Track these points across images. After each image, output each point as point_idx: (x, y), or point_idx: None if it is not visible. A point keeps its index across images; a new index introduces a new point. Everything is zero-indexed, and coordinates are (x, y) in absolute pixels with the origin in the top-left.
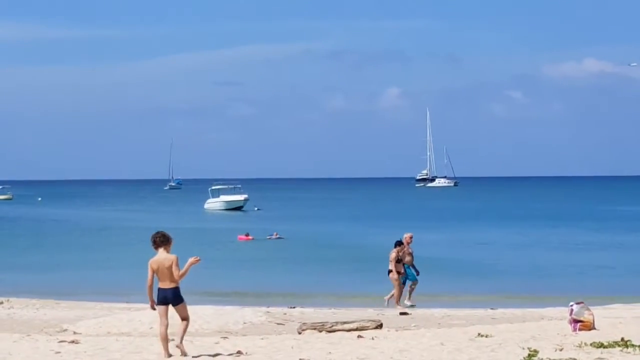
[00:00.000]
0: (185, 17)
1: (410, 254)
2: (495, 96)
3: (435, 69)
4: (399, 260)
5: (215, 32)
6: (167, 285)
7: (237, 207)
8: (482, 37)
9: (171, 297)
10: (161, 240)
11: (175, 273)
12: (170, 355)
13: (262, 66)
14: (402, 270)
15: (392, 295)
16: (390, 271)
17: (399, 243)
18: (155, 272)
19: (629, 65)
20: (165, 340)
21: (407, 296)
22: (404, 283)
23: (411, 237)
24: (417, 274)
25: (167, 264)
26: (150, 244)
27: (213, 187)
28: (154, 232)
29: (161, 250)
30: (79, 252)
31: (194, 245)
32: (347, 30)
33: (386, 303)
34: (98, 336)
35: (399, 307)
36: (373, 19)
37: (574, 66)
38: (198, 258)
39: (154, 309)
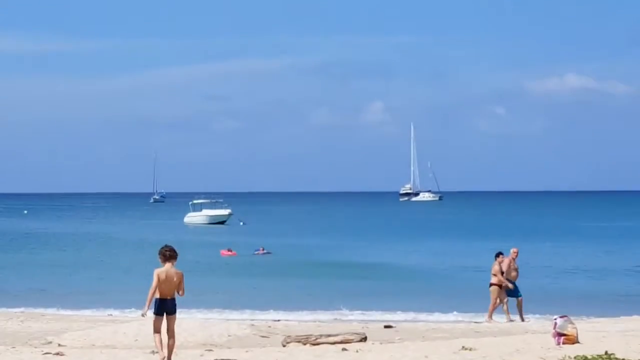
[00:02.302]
0: (171, 30)
1: (516, 270)
2: (479, 111)
3: (420, 84)
4: (502, 273)
5: (201, 46)
6: (169, 296)
7: (220, 222)
8: (466, 53)
9: (170, 307)
10: (170, 255)
11: (182, 289)
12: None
13: (248, 80)
14: (511, 285)
15: (493, 309)
16: (491, 284)
17: (499, 254)
18: (160, 282)
19: None
20: (162, 345)
21: (505, 313)
22: (511, 296)
23: (517, 253)
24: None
25: (175, 277)
26: (159, 256)
27: (194, 201)
28: (163, 246)
29: (168, 264)
30: (63, 264)
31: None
32: (333, 45)
33: (487, 319)
34: (83, 348)
35: (490, 320)
36: (358, 34)
37: (557, 82)
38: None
39: (144, 315)
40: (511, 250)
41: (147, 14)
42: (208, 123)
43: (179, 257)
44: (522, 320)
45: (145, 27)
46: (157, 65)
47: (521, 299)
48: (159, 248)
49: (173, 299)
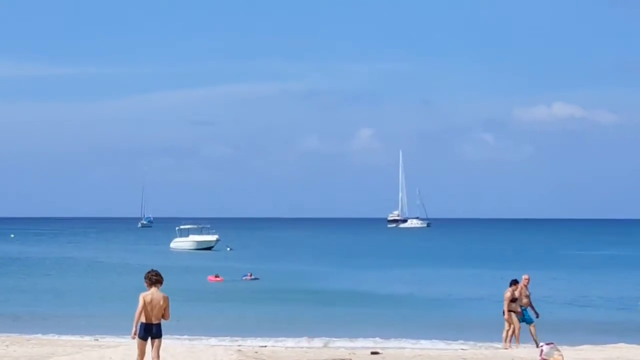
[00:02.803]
0: (159, 56)
1: (528, 296)
2: (467, 138)
3: (409, 111)
4: (514, 300)
5: (189, 72)
6: (154, 320)
7: (208, 248)
8: (454, 80)
9: (155, 332)
10: (156, 279)
11: (167, 313)
12: None
13: (237, 106)
14: (519, 310)
15: (512, 334)
16: (504, 312)
17: (514, 282)
18: (146, 306)
19: None
20: None
21: (505, 340)
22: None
23: (528, 279)
24: (537, 317)
25: (161, 302)
26: (145, 280)
27: (181, 227)
28: (149, 270)
29: (154, 288)
30: (48, 289)
31: (165, 282)
32: (322, 72)
33: (508, 345)
34: None
35: (505, 344)
36: (347, 61)
37: (544, 110)
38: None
39: (134, 338)
40: (522, 277)
41: (135, 40)
42: (196, 148)
43: (165, 283)
44: (537, 346)
45: (133, 52)
46: (145, 91)
47: (533, 326)
48: (145, 272)
49: (159, 324)
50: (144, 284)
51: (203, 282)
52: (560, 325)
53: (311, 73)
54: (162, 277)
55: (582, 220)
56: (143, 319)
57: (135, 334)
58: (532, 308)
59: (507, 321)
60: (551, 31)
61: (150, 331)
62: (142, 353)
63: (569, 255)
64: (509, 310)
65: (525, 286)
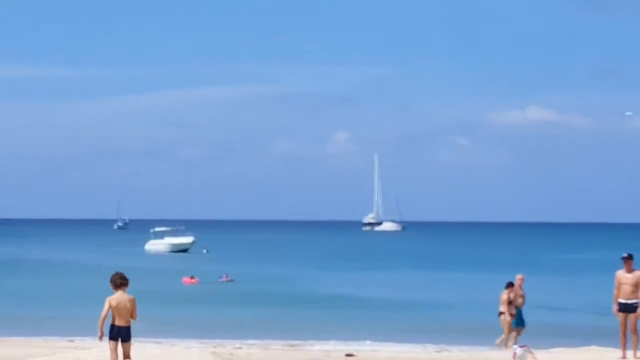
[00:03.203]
0: (136, 58)
1: (522, 296)
2: (442, 143)
3: (384, 115)
4: (509, 302)
5: (165, 74)
6: (122, 323)
7: (183, 250)
8: (430, 84)
9: (125, 334)
10: (121, 282)
11: (135, 314)
12: None
13: (213, 108)
14: (514, 312)
15: (502, 339)
16: (501, 313)
17: (510, 284)
18: (112, 308)
19: (625, 115)
20: None
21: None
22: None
23: (522, 279)
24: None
25: (128, 304)
26: (110, 284)
27: (156, 229)
28: (114, 273)
29: (120, 291)
30: (22, 291)
31: (137, 285)
32: (298, 75)
33: (497, 347)
34: None
35: (506, 348)
36: (324, 64)
37: (518, 114)
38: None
39: (101, 339)
40: (516, 277)
41: (110, 42)
42: (172, 150)
43: (139, 285)
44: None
45: (108, 54)
46: (120, 93)
47: (521, 329)
48: (110, 276)
49: (128, 327)
50: (110, 287)
51: (178, 284)
52: (533, 328)
53: (287, 76)
54: (127, 279)
55: (557, 224)
56: (112, 322)
57: (101, 337)
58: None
59: (505, 323)
60: (526, 36)
61: (119, 333)
62: (114, 352)
63: (543, 259)
64: (502, 313)
65: (520, 286)
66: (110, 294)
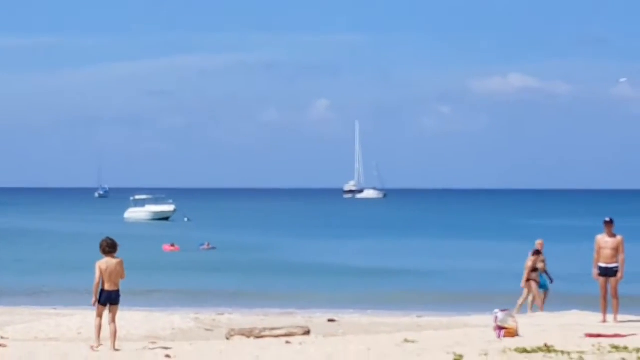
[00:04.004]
0: (117, 25)
1: (543, 261)
2: (423, 110)
3: (366, 83)
4: (534, 270)
5: (147, 42)
6: (112, 287)
7: (165, 218)
8: (411, 52)
9: (114, 298)
10: (110, 247)
11: (124, 274)
12: (101, 344)
13: (194, 76)
14: (539, 280)
15: (522, 302)
16: (527, 280)
17: (536, 252)
18: (102, 273)
19: (618, 81)
20: (100, 329)
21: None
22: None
23: (542, 245)
24: (551, 282)
25: (117, 267)
26: (100, 249)
27: (136, 197)
28: (104, 238)
29: (109, 256)
30: (3, 258)
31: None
32: (280, 43)
33: (517, 310)
34: (25, 341)
35: (539, 312)
36: (305, 33)
37: (500, 81)
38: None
39: (95, 305)
40: (536, 242)
41: (91, 10)
42: (153, 119)
43: (119, 253)
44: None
45: (91, 23)
46: (103, 61)
47: (546, 293)
48: (100, 241)
49: (117, 291)
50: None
51: (158, 251)
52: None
53: (269, 44)
54: (116, 244)
55: (539, 190)
56: (103, 286)
57: (94, 302)
58: (547, 274)
59: (526, 289)
60: (507, 3)
61: (109, 298)
62: (100, 316)
63: (524, 225)
64: (530, 280)
65: (540, 251)
66: (96, 259)
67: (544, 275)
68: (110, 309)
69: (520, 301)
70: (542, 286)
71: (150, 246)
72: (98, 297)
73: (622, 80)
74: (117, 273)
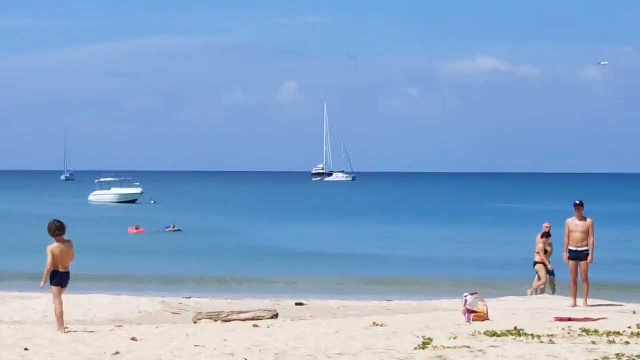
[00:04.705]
0: (80, 7)
1: (550, 245)
2: (392, 93)
3: (333, 66)
4: (546, 252)
5: (112, 24)
6: (64, 269)
7: (131, 201)
8: (378, 34)
9: (66, 280)
10: (59, 229)
11: (74, 256)
12: (67, 330)
13: (161, 58)
14: (549, 263)
15: (537, 287)
16: (536, 262)
17: (546, 235)
18: (55, 257)
19: (599, 64)
20: (62, 316)
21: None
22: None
23: (549, 228)
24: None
25: (69, 249)
26: (48, 233)
27: (101, 180)
28: (51, 221)
29: (59, 239)
30: None
31: (82, 236)
32: (247, 25)
33: (531, 294)
34: None
35: (535, 296)
36: (272, 15)
37: (468, 64)
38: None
39: (43, 287)
40: (544, 226)
41: None
42: (120, 101)
43: (83, 236)
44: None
45: (54, 5)
46: (67, 44)
47: (553, 278)
48: (48, 225)
49: (69, 272)
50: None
51: (123, 234)
52: (482, 276)
53: (235, 26)
54: (64, 225)
55: (506, 174)
56: (58, 269)
57: (43, 286)
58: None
59: (543, 272)
60: None
61: (64, 279)
62: (59, 297)
63: (491, 209)
64: (540, 263)
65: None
66: (50, 242)
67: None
68: (64, 290)
69: (535, 285)
70: (549, 271)
71: (115, 229)
72: (51, 278)
73: (604, 63)
74: (69, 256)
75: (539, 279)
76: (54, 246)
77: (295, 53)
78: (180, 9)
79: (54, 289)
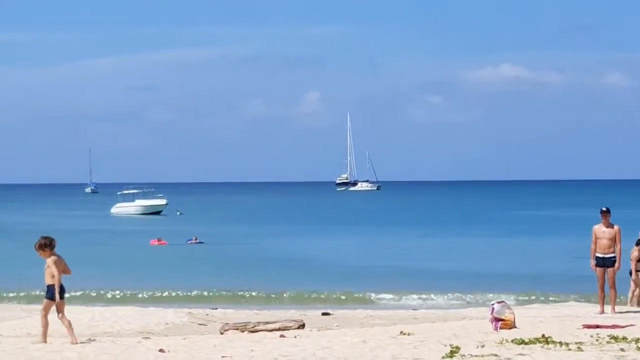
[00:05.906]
0: (100, 21)
1: None
2: (414, 101)
3: (355, 75)
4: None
5: (131, 37)
6: (60, 282)
7: (156, 212)
8: (400, 42)
9: (61, 293)
10: (54, 242)
11: (68, 269)
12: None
13: (179, 71)
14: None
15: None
16: (632, 272)
17: None
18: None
19: None
20: (47, 329)
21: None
22: None
23: None
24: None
25: (64, 262)
26: (48, 247)
27: (124, 192)
28: (45, 237)
29: (54, 253)
30: None
31: (105, 248)
32: (264, 36)
33: (629, 304)
34: (18, 337)
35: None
36: (290, 25)
37: (491, 72)
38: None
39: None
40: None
41: (76, 5)
42: (140, 114)
43: (106, 247)
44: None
45: (74, 18)
46: (86, 57)
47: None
48: (40, 243)
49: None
50: (42, 254)
51: (145, 246)
52: (510, 284)
53: (253, 37)
54: (51, 240)
55: (531, 181)
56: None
57: (58, 299)
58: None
59: (634, 282)
60: None
61: (62, 291)
62: (48, 312)
63: (517, 215)
64: (636, 271)
65: None
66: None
67: None
68: (61, 303)
69: (630, 294)
70: None
71: (137, 241)
72: (60, 292)
73: None
74: (65, 269)
75: (634, 287)
76: (55, 259)
77: (313, 63)
78: (196, 22)
79: (48, 302)
